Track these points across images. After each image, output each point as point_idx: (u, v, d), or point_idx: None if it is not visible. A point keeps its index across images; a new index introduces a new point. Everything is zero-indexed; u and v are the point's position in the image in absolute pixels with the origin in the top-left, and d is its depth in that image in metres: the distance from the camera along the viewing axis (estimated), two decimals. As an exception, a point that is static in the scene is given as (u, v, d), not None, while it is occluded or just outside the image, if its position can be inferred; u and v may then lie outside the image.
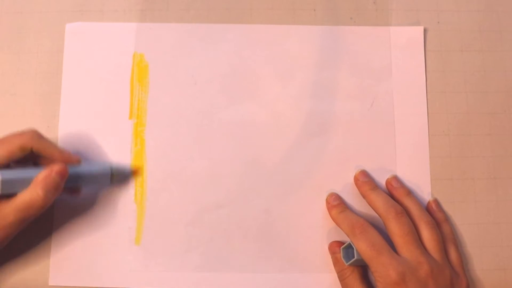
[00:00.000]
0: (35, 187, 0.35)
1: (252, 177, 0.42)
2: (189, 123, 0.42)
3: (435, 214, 0.41)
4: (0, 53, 0.43)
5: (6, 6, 0.44)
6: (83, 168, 0.38)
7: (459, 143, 0.43)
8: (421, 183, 0.42)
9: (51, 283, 0.40)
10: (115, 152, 0.41)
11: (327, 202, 0.41)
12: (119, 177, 0.40)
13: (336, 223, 0.40)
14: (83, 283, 0.40)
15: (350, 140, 0.42)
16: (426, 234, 0.38)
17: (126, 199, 0.41)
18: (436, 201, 0.42)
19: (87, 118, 0.42)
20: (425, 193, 0.42)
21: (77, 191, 0.40)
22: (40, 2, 0.44)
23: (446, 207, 0.42)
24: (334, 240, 0.41)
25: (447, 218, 0.41)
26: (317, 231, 0.41)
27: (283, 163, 0.42)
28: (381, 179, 0.42)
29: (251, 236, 0.41)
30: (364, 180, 0.41)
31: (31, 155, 0.37)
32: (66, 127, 0.42)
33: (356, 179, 0.41)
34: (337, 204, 0.40)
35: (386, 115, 0.43)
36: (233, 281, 0.40)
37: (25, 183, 0.35)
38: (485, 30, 0.45)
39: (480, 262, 0.42)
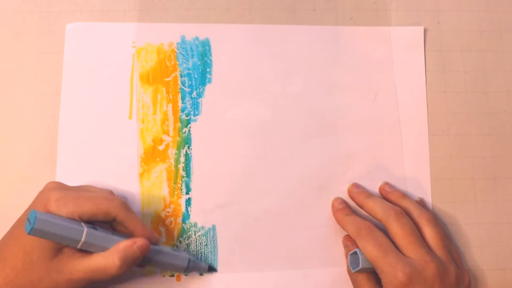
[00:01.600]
0: (113, 254, 0.33)
1: (253, 176, 0.42)
2: (191, 122, 0.42)
3: (392, 195, 0.41)
4: (0, 53, 0.43)
5: (6, 6, 0.44)
6: (163, 250, 0.37)
7: (459, 143, 0.43)
8: (421, 183, 0.42)
9: (51, 283, 0.40)
10: (117, 152, 0.41)
11: (333, 206, 0.41)
12: (193, 270, 0.39)
13: (342, 226, 0.40)
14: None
15: (351, 140, 0.42)
16: (429, 232, 0.38)
17: (130, 201, 0.41)
18: (387, 184, 0.42)
19: (87, 118, 0.42)
20: (425, 193, 0.42)
21: (142, 265, 0.38)
22: (40, 2, 0.44)
23: (446, 207, 0.42)
24: (335, 237, 0.41)
25: (404, 194, 0.41)
26: (319, 228, 0.41)
27: (286, 162, 0.42)
28: (381, 179, 0.42)
29: (253, 235, 0.41)
30: (358, 190, 0.41)
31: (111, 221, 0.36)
32: (66, 127, 0.42)
33: (350, 192, 0.41)
34: (342, 207, 0.41)
35: (387, 115, 0.43)
36: (235, 280, 0.40)
37: (103, 248, 0.34)
38: (485, 30, 0.45)
39: (480, 262, 0.42)
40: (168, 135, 0.42)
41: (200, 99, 0.43)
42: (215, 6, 0.44)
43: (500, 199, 0.43)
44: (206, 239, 0.41)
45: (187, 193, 0.41)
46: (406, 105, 0.43)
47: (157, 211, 0.41)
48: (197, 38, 0.43)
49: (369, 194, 0.40)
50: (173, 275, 0.40)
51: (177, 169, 0.41)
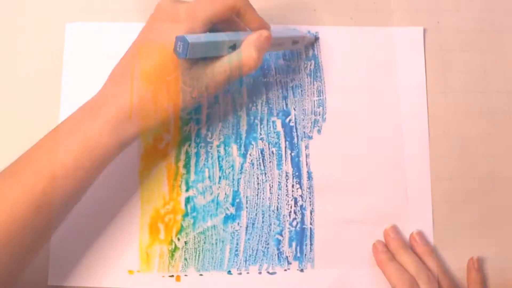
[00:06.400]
0: (249, 47, 0.34)
1: (253, 175, 0.42)
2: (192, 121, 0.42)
3: (419, 248, 0.40)
4: (0, 53, 0.43)
5: (6, 6, 0.44)
6: (281, 35, 0.39)
7: (459, 143, 0.43)
8: (421, 183, 0.42)
9: (50, 283, 0.40)
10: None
11: (375, 247, 0.40)
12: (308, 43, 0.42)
13: (383, 270, 0.39)
14: (83, 283, 0.40)
15: (351, 140, 0.42)
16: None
17: (130, 197, 0.41)
18: (420, 234, 0.41)
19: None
20: (425, 193, 0.42)
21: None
22: (40, 2, 0.44)
23: (446, 207, 0.42)
24: (335, 238, 0.41)
25: (432, 250, 0.40)
26: (319, 228, 0.41)
27: (285, 162, 0.42)
28: (381, 179, 0.42)
29: (252, 235, 0.41)
30: (395, 237, 0.40)
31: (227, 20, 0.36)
32: (66, 127, 0.42)
33: (386, 235, 0.41)
34: (385, 251, 0.40)
35: (387, 115, 0.43)
36: (235, 280, 0.40)
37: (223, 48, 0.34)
38: (485, 30, 0.45)
39: (480, 262, 0.41)
40: (169, 133, 0.42)
41: (200, 98, 0.43)
42: (215, 6, 0.44)
43: (500, 199, 0.43)
44: (205, 237, 0.41)
45: (186, 191, 0.41)
46: (407, 105, 0.43)
47: (157, 208, 0.41)
48: (197, 38, 0.43)
49: (404, 244, 0.40)
50: (172, 276, 0.40)
51: (177, 166, 0.41)
